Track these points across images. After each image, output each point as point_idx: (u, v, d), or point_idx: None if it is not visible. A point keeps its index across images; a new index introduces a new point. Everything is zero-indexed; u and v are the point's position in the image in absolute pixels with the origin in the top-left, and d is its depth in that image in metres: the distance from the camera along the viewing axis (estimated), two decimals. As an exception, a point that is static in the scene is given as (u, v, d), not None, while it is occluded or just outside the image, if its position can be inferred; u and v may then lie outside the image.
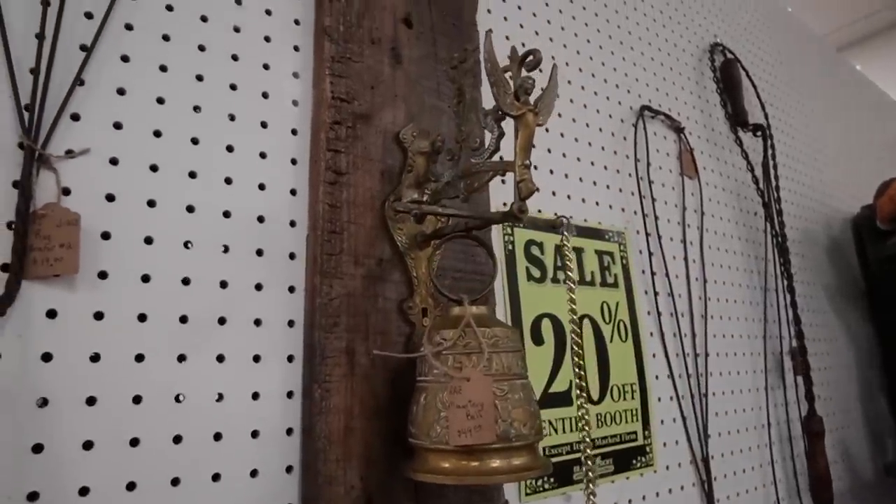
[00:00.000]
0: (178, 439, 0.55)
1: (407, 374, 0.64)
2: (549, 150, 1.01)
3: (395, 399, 0.65)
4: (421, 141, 0.62)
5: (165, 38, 0.61)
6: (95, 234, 0.54)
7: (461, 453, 0.55)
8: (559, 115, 1.05)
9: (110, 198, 0.55)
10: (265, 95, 0.68)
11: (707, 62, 1.48)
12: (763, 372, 1.31)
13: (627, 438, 0.97)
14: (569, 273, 0.63)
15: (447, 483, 0.56)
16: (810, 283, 1.62)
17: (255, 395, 0.60)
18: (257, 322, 0.62)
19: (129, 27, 0.59)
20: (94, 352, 0.52)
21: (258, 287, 0.63)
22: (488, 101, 0.62)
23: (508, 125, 0.61)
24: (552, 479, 0.83)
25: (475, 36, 0.90)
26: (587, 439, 0.59)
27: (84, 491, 0.50)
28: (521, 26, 1.03)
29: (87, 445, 0.51)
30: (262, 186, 0.65)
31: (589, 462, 0.58)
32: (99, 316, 0.53)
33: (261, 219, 0.64)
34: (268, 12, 0.70)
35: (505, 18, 1.01)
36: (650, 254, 1.12)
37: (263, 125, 0.67)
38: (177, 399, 0.56)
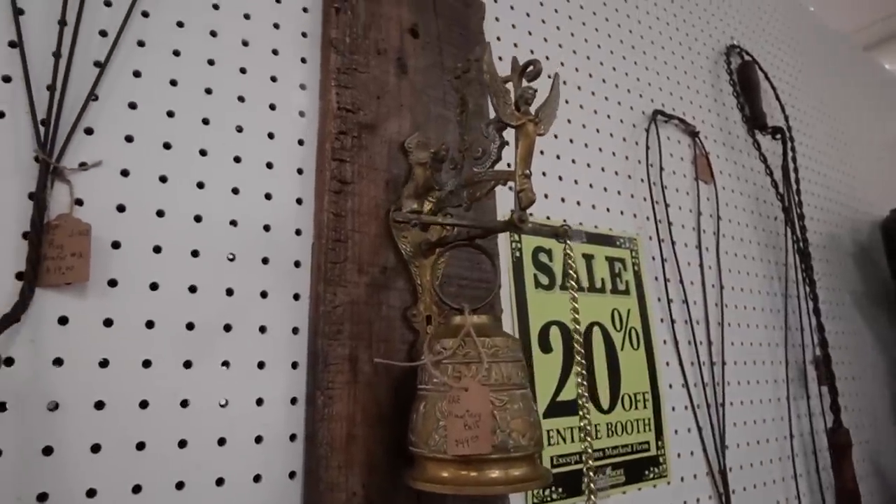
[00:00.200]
0: (183, 444, 0.56)
1: (410, 382, 0.64)
2: (557, 157, 1.01)
3: (398, 407, 0.66)
4: (420, 152, 0.63)
5: (176, 53, 0.63)
6: (106, 243, 0.56)
7: (459, 462, 0.56)
8: (568, 121, 1.05)
9: (121, 208, 0.57)
10: (272, 107, 0.69)
11: (723, 65, 1.47)
12: (785, 381, 1.29)
13: (639, 448, 0.96)
14: (571, 282, 0.63)
15: (445, 492, 0.56)
16: (835, 290, 1.58)
17: (260, 401, 0.62)
18: (262, 329, 0.63)
19: (141, 44, 0.61)
20: (103, 357, 0.54)
21: (263, 295, 0.64)
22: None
23: (511, 135, 0.61)
24: (560, 490, 0.83)
25: (489, 47, 0.90)
26: (589, 450, 0.58)
27: (91, 493, 0.51)
28: (530, 33, 1.04)
29: (95, 448, 0.52)
30: (268, 196, 0.67)
31: (591, 473, 0.58)
32: (108, 323, 0.55)
33: (267, 228, 0.66)
34: (276, 26, 0.72)
35: (513, 26, 1.01)
36: (663, 260, 1.11)
37: (270, 136, 0.68)
38: (182, 404, 0.57)
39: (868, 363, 1.60)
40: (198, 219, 0.61)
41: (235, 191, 0.64)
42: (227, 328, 0.61)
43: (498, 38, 0.98)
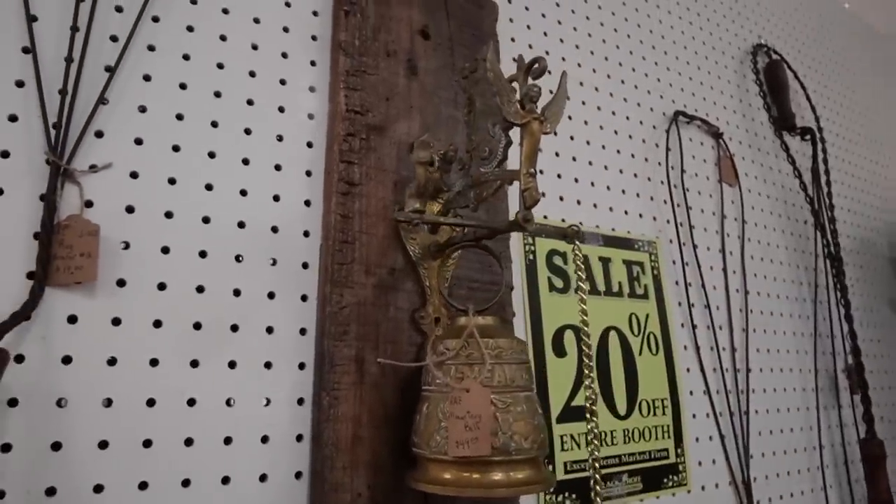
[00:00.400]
0: (189, 442, 0.57)
1: (416, 384, 0.64)
2: (573, 159, 0.99)
3: (405, 408, 0.65)
4: (421, 151, 0.63)
5: (185, 57, 0.64)
6: (115, 243, 0.57)
7: (462, 464, 0.55)
8: (585, 122, 1.03)
9: (130, 209, 0.58)
10: (281, 109, 0.70)
11: (749, 64, 1.43)
12: (814, 390, 1.24)
13: (658, 456, 0.94)
14: (580, 283, 0.62)
15: (447, 494, 0.55)
16: (870, 296, 1.53)
17: (266, 401, 0.62)
18: (269, 330, 0.64)
19: (151, 48, 0.62)
20: (111, 356, 0.55)
21: (271, 295, 0.65)
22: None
23: (518, 134, 0.61)
24: (574, 496, 0.81)
25: (496, 47, 0.90)
26: (595, 453, 0.57)
27: (98, 488, 0.52)
28: (545, 34, 1.03)
29: (103, 445, 0.53)
30: (276, 198, 0.67)
31: (597, 475, 0.57)
32: (116, 322, 0.56)
33: (275, 229, 0.66)
34: (285, 29, 0.72)
35: (528, 27, 1.00)
36: (684, 264, 1.09)
37: (279, 138, 0.69)
38: (189, 403, 0.58)
39: (905, 372, 1.54)
40: (206, 220, 0.62)
41: (244, 193, 0.65)
42: (235, 328, 0.62)
43: (512, 40, 0.98)
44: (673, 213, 1.11)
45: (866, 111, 1.79)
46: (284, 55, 0.72)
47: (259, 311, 0.64)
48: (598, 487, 0.56)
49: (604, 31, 1.13)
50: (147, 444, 0.55)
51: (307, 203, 0.69)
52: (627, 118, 1.11)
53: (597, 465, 0.56)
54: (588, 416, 0.57)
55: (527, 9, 1.02)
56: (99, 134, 0.58)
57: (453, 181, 0.70)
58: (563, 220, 0.94)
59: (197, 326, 0.60)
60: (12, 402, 0.50)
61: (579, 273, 0.61)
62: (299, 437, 0.63)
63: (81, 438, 0.52)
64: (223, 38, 0.67)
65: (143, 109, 0.61)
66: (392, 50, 0.77)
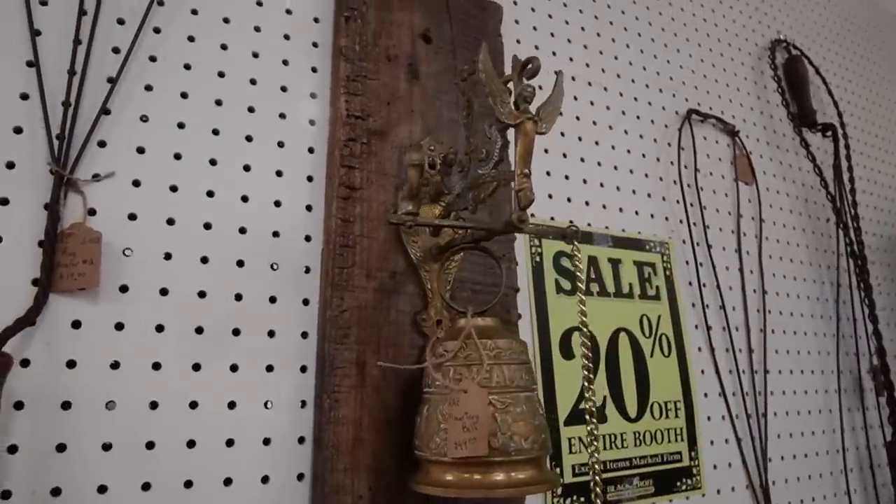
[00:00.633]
0: (191, 444, 0.58)
1: (418, 387, 0.64)
2: (581, 160, 0.99)
3: (407, 411, 0.66)
4: (412, 154, 0.63)
5: (187, 66, 0.66)
6: (118, 250, 0.58)
7: (463, 465, 0.55)
8: (594, 122, 1.03)
9: (132, 217, 0.60)
10: (282, 116, 0.71)
11: (767, 61, 1.40)
12: (837, 392, 1.21)
13: (670, 459, 0.92)
14: (579, 284, 0.61)
15: (448, 496, 0.55)
16: (897, 295, 1.48)
17: (268, 404, 0.63)
18: (271, 333, 0.64)
19: (152, 59, 0.64)
20: (114, 360, 0.56)
21: (272, 300, 0.65)
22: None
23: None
24: (582, 499, 0.81)
25: (500, 48, 0.90)
26: (595, 455, 0.56)
27: (102, 489, 0.53)
28: (552, 35, 1.02)
29: (107, 447, 0.54)
30: (277, 203, 0.68)
31: (598, 477, 0.56)
32: (119, 326, 0.57)
33: (276, 234, 0.67)
34: (286, 37, 0.73)
35: (534, 28, 1.00)
36: (698, 264, 1.07)
37: (280, 145, 0.70)
38: (192, 406, 0.59)
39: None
40: (207, 226, 0.63)
41: (245, 199, 0.66)
42: (236, 332, 0.63)
43: (518, 41, 0.98)
44: (685, 212, 1.09)
45: (893, 105, 1.74)
46: (285, 62, 0.73)
47: (260, 315, 0.64)
48: (598, 489, 0.55)
49: (613, 30, 1.12)
50: (150, 445, 0.56)
51: (308, 208, 0.70)
52: (638, 117, 1.10)
53: (597, 466, 0.55)
54: (588, 417, 0.56)
55: (533, 10, 1.01)
56: (102, 144, 0.59)
57: (454, 184, 0.70)
58: (570, 222, 0.92)
59: (199, 331, 0.61)
60: (18, 406, 0.51)
61: (578, 274, 0.60)
62: (301, 440, 0.64)
63: (86, 440, 0.54)
64: (224, 47, 0.69)
65: (144, 119, 0.62)
66: (393, 54, 0.78)
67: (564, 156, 0.97)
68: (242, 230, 0.65)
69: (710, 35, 1.31)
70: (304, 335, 0.66)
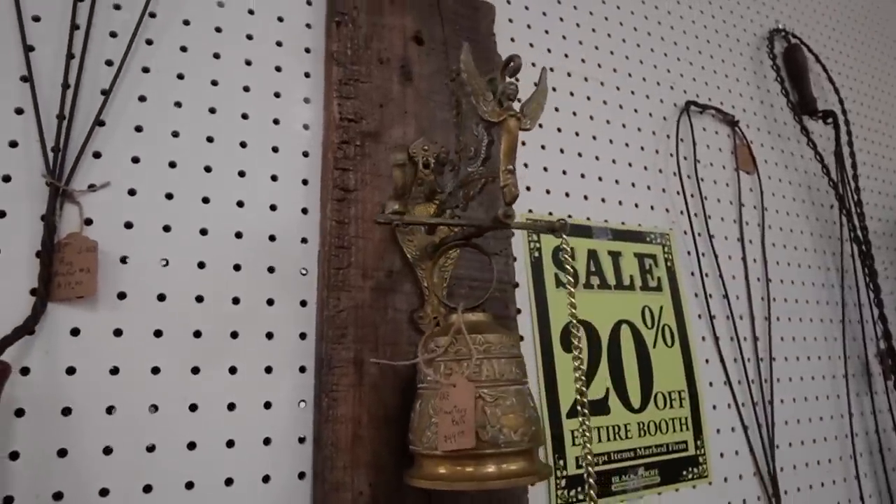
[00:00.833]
0: (192, 446, 0.59)
1: (415, 384, 0.65)
2: (579, 154, 0.99)
3: (404, 408, 0.66)
4: (396, 154, 0.64)
5: (180, 76, 0.67)
6: (115, 258, 0.59)
7: (454, 458, 0.55)
8: (590, 117, 1.03)
9: (128, 225, 0.61)
10: (276, 122, 0.72)
11: (765, 50, 1.40)
12: (845, 377, 1.20)
13: (676, 448, 0.92)
14: (569, 277, 0.62)
15: (440, 489, 0.56)
16: (905, 280, 1.47)
17: (268, 405, 0.64)
18: (269, 335, 0.65)
19: (145, 70, 0.65)
20: (113, 365, 0.57)
21: (270, 302, 0.66)
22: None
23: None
24: (585, 489, 0.81)
25: (493, 47, 0.90)
26: (588, 446, 0.57)
27: (104, 492, 0.55)
28: (547, 32, 1.02)
29: (108, 451, 0.55)
30: (273, 207, 0.69)
31: (590, 468, 0.56)
32: (118, 333, 0.58)
33: (272, 238, 0.68)
34: (278, 44, 0.74)
35: (528, 26, 1.00)
36: (699, 254, 1.06)
37: (275, 150, 0.71)
38: (191, 408, 0.60)
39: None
40: (203, 232, 0.64)
41: (240, 204, 0.67)
42: (234, 335, 0.64)
43: (512, 40, 0.98)
44: (686, 203, 1.09)
45: (895, 90, 1.72)
46: (278, 69, 0.74)
47: (258, 318, 0.65)
48: (591, 480, 0.55)
49: (608, 26, 1.12)
50: (150, 448, 0.57)
51: (304, 211, 0.71)
52: (636, 111, 1.10)
53: (589, 457, 0.55)
54: (579, 408, 0.57)
55: (526, 8, 1.02)
56: (97, 154, 0.61)
57: (446, 182, 0.71)
58: (569, 216, 0.94)
59: (197, 334, 0.62)
60: (19, 413, 0.52)
61: (567, 267, 0.60)
62: (301, 439, 0.65)
63: (87, 445, 0.55)
64: (217, 55, 0.70)
65: (139, 129, 0.63)
66: (385, 57, 0.78)
67: (562, 151, 0.97)
68: (239, 235, 0.66)
69: (707, 27, 1.30)
70: (303, 336, 0.67)
